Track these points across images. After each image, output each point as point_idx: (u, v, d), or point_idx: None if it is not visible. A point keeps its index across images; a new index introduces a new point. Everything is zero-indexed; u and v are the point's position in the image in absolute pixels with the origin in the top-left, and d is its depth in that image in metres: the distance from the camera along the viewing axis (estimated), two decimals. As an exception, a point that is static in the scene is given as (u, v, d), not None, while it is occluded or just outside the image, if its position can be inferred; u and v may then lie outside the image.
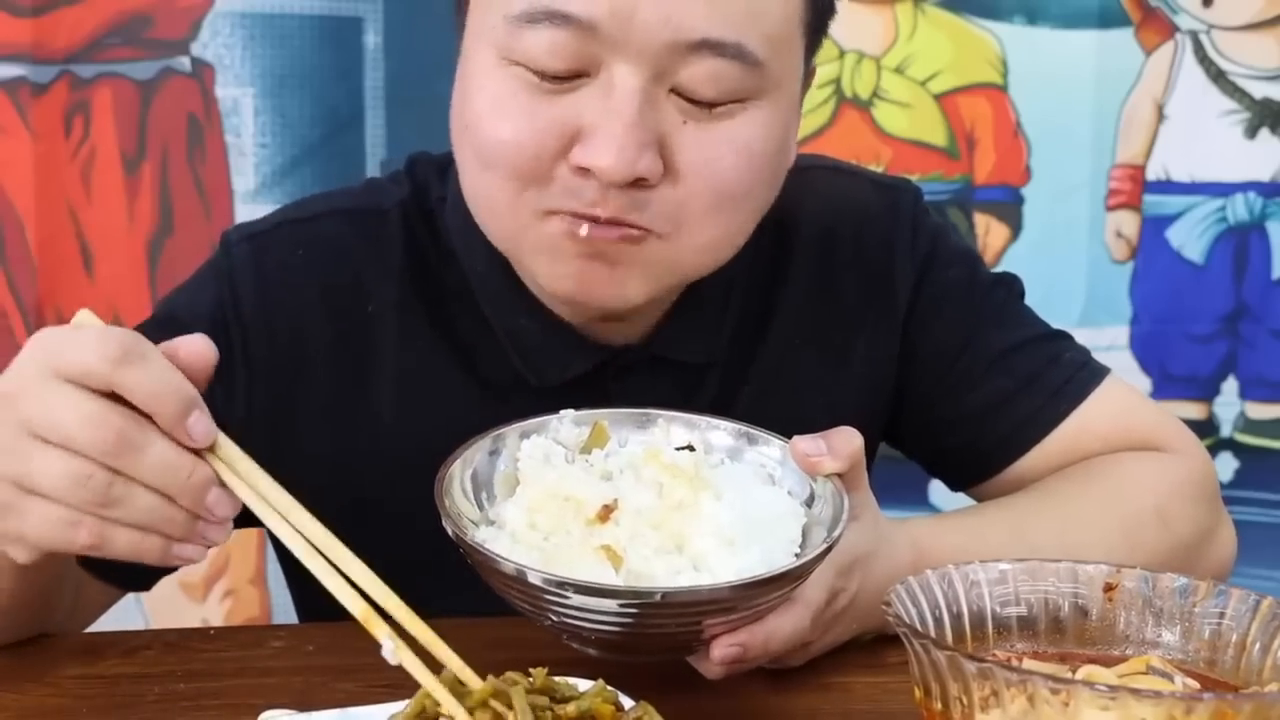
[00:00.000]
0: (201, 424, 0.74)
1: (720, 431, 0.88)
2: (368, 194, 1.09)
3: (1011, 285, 1.16)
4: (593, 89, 0.88)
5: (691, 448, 0.86)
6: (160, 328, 0.96)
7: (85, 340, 0.73)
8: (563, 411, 0.88)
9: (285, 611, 1.94)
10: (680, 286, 1.00)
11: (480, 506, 0.84)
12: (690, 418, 0.89)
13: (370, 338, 1.03)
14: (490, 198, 0.93)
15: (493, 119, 0.90)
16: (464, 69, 0.94)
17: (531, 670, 0.72)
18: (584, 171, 0.88)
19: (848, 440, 0.84)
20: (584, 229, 0.89)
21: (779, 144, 0.95)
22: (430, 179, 1.07)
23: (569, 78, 0.88)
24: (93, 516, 0.73)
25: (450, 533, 0.78)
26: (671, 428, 0.88)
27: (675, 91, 0.89)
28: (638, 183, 0.88)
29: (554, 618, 0.76)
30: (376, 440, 1.03)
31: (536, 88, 0.89)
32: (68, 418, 0.72)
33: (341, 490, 1.02)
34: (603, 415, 0.88)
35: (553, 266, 0.93)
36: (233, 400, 1.00)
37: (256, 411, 1.01)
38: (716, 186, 0.91)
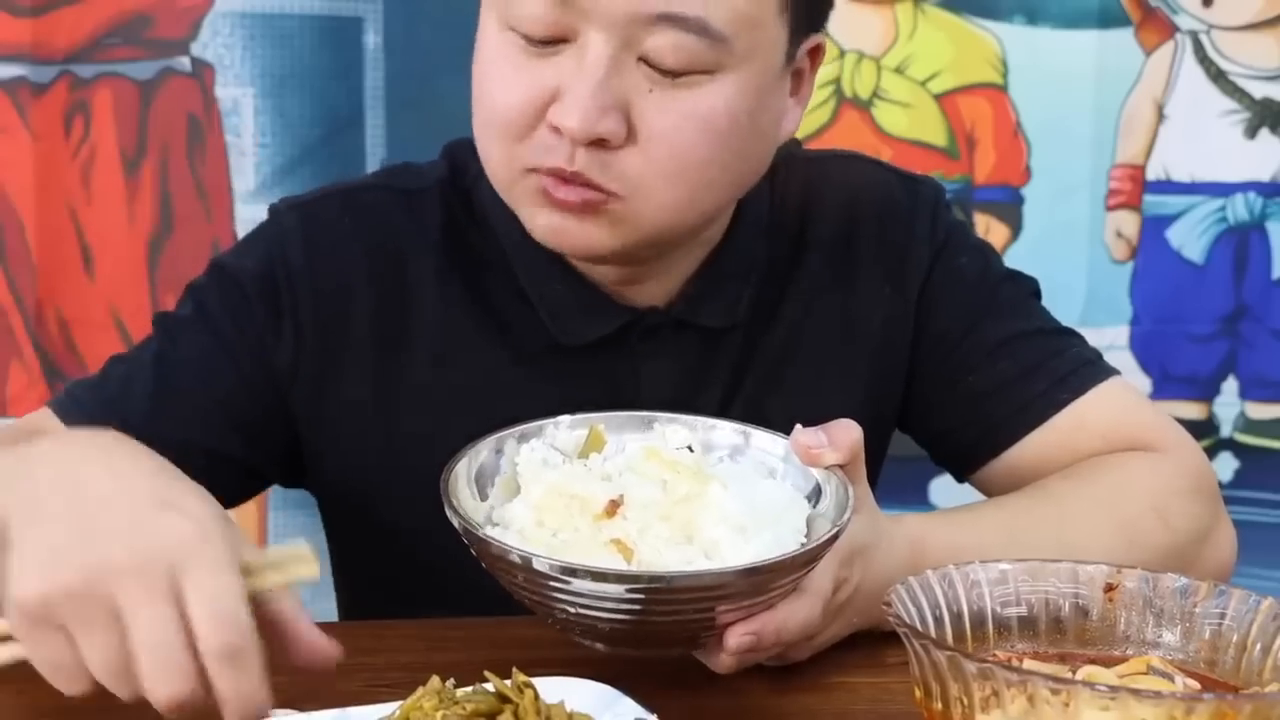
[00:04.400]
0: None
1: (720, 431, 0.89)
2: (407, 175, 1.16)
3: (1025, 283, 1.18)
4: (570, 54, 0.95)
5: (690, 448, 0.87)
6: (211, 277, 1.09)
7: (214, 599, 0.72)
8: (559, 416, 0.89)
9: (285, 611, 1.95)
10: (663, 243, 1.03)
11: (485, 500, 0.84)
12: (688, 419, 0.89)
13: (409, 302, 1.09)
14: (487, 153, 1.01)
15: (490, 79, 0.99)
16: (478, 35, 1.01)
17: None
18: (557, 131, 0.95)
19: (847, 431, 0.85)
20: (557, 191, 0.97)
21: (746, 117, 0.99)
22: (467, 159, 1.11)
23: (552, 42, 0.95)
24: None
25: (457, 525, 0.78)
26: (669, 430, 0.88)
27: (643, 60, 0.95)
28: (602, 144, 0.95)
29: (564, 610, 0.75)
30: (413, 398, 1.09)
31: (525, 51, 0.96)
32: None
33: (379, 445, 1.09)
34: (598, 419, 0.89)
35: (534, 218, 1.00)
36: (279, 353, 1.07)
37: (302, 366, 1.07)
38: (674, 153, 0.96)
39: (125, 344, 1.82)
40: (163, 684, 0.72)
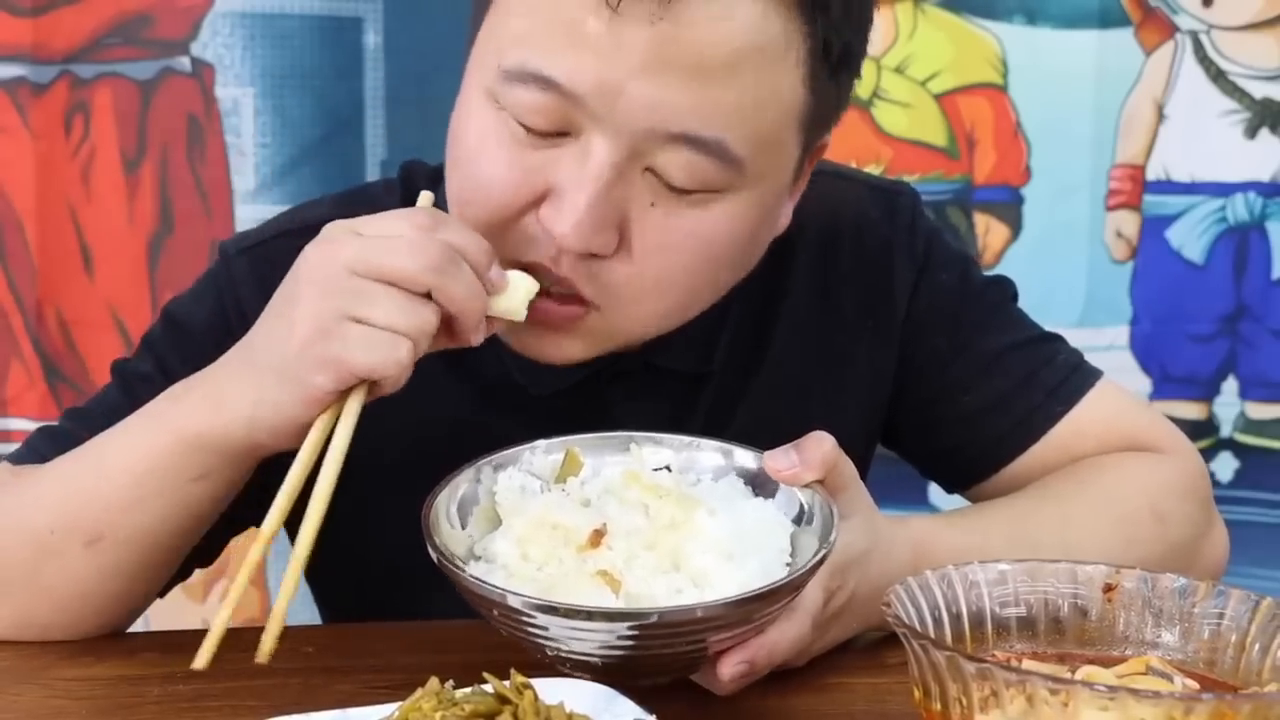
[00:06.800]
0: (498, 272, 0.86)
1: (702, 450, 0.87)
2: (362, 203, 1.07)
3: (1004, 288, 1.16)
4: (571, 150, 0.88)
5: (669, 468, 0.86)
6: (167, 332, 1.05)
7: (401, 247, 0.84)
8: (535, 441, 0.88)
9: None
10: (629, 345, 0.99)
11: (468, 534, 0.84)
12: (667, 438, 0.88)
13: None
14: None
15: (476, 159, 0.91)
16: (463, 94, 0.94)
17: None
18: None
19: (818, 445, 0.84)
20: (539, 302, 0.91)
21: (748, 236, 0.94)
22: (423, 189, 1.06)
23: (552, 134, 0.88)
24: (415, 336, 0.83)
25: (436, 562, 0.78)
26: (645, 450, 0.87)
27: (650, 170, 0.89)
28: (590, 254, 0.89)
29: (553, 648, 0.75)
30: (378, 440, 1.04)
31: (520, 138, 0.89)
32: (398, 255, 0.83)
33: (341, 491, 1.03)
34: (574, 442, 0.87)
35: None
36: None
37: None
38: (666, 272, 0.91)
39: (125, 344, 1.83)
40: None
